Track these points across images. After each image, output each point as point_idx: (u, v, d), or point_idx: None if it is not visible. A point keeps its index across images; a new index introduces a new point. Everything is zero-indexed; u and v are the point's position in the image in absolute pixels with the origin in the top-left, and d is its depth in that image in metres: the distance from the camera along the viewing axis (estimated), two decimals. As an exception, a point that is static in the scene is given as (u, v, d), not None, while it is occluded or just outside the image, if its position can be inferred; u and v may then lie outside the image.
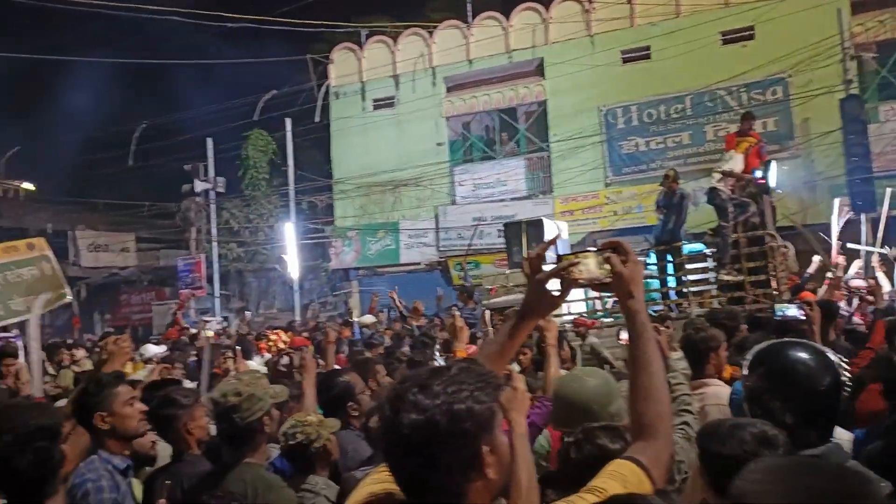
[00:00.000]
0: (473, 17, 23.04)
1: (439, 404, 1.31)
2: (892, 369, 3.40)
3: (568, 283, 1.77)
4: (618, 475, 1.53)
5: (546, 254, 1.88)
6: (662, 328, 4.17)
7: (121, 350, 4.03)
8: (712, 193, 9.43)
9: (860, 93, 18.36)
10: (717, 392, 3.68)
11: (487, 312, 9.77)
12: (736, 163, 9.32)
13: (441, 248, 22.82)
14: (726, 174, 9.31)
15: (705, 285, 9.78)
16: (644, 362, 1.69)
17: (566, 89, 21.62)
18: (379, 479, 1.52)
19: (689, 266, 9.51)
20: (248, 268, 27.41)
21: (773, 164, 9.85)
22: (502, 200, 22.35)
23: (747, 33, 19.95)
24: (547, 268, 1.80)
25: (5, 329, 7.67)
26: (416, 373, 1.42)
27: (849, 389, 2.14)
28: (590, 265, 1.75)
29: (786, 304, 6.07)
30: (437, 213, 23.03)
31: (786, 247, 9.45)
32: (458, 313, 7.12)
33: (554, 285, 1.80)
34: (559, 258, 1.78)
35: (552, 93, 22.14)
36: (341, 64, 24.44)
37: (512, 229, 12.20)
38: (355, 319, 13.52)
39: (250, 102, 25.33)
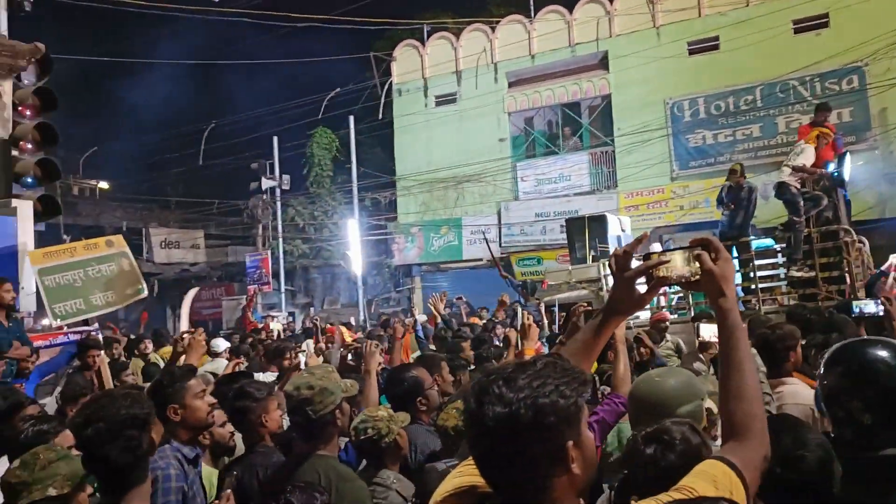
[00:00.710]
0: (536, 11, 22.90)
1: (523, 398, 1.31)
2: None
3: (656, 281, 1.74)
4: (709, 475, 1.50)
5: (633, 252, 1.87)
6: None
7: (197, 344, 4.18)
8: (781, 188, 9.15)
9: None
10: (796, 391, 3.59)
11: (542, 306, 9.68)
12: (807, 155, 9.03)
13: (504, 245, 22.77)
14: (797, 169, 9.03)
15: (775, 282, 9.51)
16: (737, 361, 1.65)
17: (631, 82, 21.32)
18: (465, 472, 1.53)
19: (757, 262, 9.24)
20: (313, 264, 27.88)
21: (848, 157, 9.52)
22: (566, 196, 22.17)
23: (821, 21, 19.31)
24: (634, 264, 1.78)
25: (87, 322, 7.99)
26: (502, 366, 1.42)
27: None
28: (677, 263, 1.72)
29: (864, 301, 5.89)
30: (500, 209, 22.99)
31: (861, 242, 9.11)
32: (524, 311, 7.10)
33: (640, 283, 1.79)
34: (647, 256, 1.76)
35: (616, 86, 21.85)
36: (404, 61, 24.61)
37: (574, 225, 12.06)
38: (416, 316, 13.65)
39: (315, 101, 25.76)
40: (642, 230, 18.34)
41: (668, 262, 1.73)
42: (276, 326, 13.43)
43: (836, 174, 9.29)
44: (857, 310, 5.41)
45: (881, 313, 4.82)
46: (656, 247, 11.22)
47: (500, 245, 22.65)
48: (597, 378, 4.50)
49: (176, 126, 28.79)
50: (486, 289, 18.09)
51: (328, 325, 11.68)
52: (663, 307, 10.55)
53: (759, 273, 9.36)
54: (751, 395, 1.64)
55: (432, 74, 24.13)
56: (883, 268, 9.09)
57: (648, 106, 21.09)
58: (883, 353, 2.05)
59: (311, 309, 23.14)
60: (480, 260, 23.08)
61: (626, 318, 1.93)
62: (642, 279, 1.76)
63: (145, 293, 8.63)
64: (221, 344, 8.80)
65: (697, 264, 1.69)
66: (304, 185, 27.35)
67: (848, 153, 9.82)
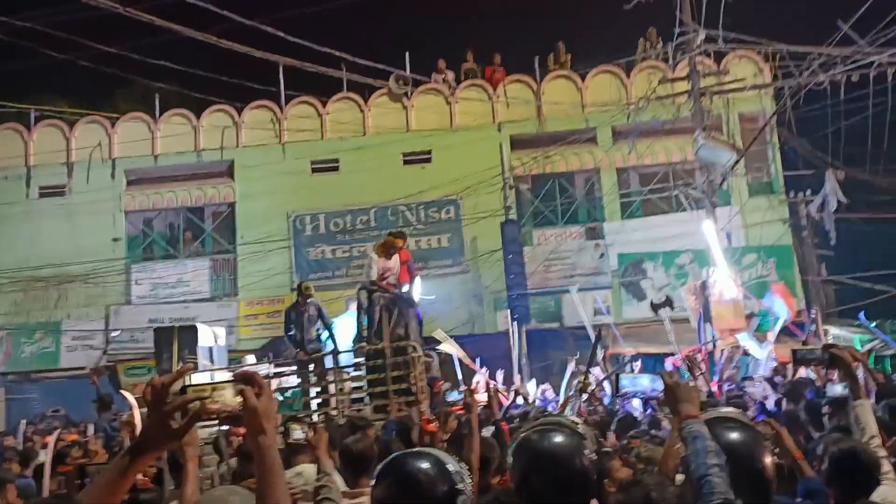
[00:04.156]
0: (161, 112, 22.34)
1: None
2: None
3: (193, 415, 1.63)
4: None
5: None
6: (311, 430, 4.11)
7: None
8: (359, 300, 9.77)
9: (518, 218, 20.61)
10: None
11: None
12: (374, 267, 9.80)
13: (111, 351, 20.91)
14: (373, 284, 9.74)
15: (352, 394, 9.95)
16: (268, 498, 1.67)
17: (256, 193, 21.59)
18: None
19: (334, 375, 9.63)
20: None
21: (418, 280, 10.53)
22: (183, 302, 21.29)
23: (426, 156, 21.63)
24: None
25: None
26: None
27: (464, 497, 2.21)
28: (226, 396, 1.65)
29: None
30: (109, 313, 21.25)
31: (429, 356, 10.00)
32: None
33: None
34: (184, 390, 1.65)
35: (242, 195, 21.96)
36: (5, 145, 22.15)
37: (163, 335, 11.54)
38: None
39: None
40: (262, 340, 18.18)
41: (207, 397, 1.64)
42: None
43: (408, 295, 10.16)
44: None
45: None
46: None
47: (104, 352, 20.76)
48: None
49: None
50: (86, 400, 16.31)
51: None
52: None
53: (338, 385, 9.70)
54: None
55: (38, 163, 22.00)
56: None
57: (272, 217, 21.48)
58: (425, 465, 2.21)
59: None
60: (83, 368, 20.87)
61: (157, 454, 1.75)
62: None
63: None
64: None
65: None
66: None
67: (419, 277, 10.87)
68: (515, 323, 18.43)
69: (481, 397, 7.50)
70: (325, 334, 10.47)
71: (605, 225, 20.90)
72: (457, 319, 20.33)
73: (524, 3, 23.98)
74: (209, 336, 11.69)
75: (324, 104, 22.20)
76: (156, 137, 22.16)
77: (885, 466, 3.12)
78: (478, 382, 10.61)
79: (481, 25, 28.37)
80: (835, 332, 18.86)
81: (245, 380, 1.72)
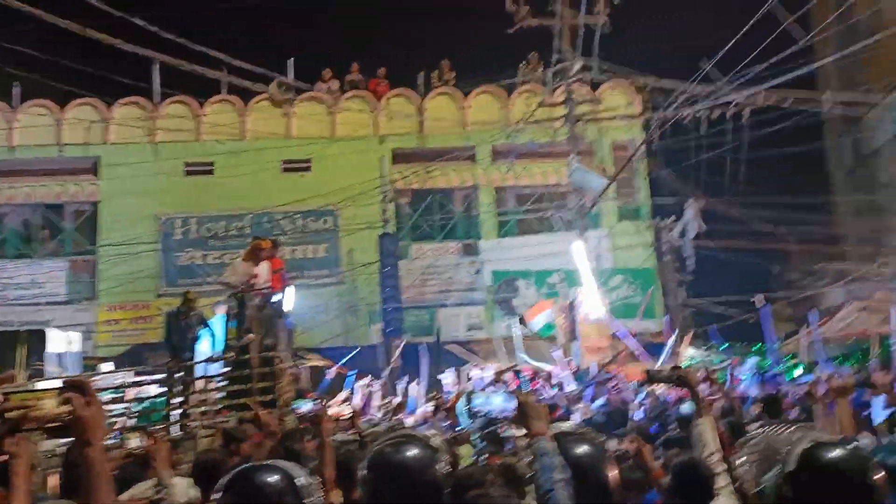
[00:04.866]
0: (22, 101, 20.94)
1: None
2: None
3: (15, 424, 1.57)
4: None
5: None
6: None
7: None
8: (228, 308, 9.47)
9: (396, 231, 20.64)
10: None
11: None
12: (237, 273, 9.54)
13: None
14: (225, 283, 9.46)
15: (216, 404, 9.61)
16: None
17: (123, 193, 20.56)
18: None
19: (203, 385, 9.28)
20: None
21: (291, 290, 10.32)
22: (36, 304, 19.94)
23: (306, 165, 21.33)
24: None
25: None
26: None
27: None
28: (48, 405, 1.56)
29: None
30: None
31: (297, 367, 9.80)
32: None
33: None
34: (6, 396, 1.56)
35: (107, 195, 20.87)
36: None
37: (6, 339, 10.76)
38: None
39: None
40: (123, 347, 17.24)
41: (30, 405, 1.55)
42: None
43: (278, 304, 9.93)
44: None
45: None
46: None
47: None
48: None
49: None
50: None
51: None
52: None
53: (202, 395, 9.35)
54: None
55: None
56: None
57: (140, 219, 20.53)
58: (274, 478, 2.15)
59: None
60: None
61: None
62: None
63: None
64: None
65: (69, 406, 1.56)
66: None
67: (292, 287, 10.66)
68: (389, 335, 18.46)
69: (346, 409, 7.45)
70: (203, 344, 10.09)
71: (481, 242, 21.27)
72: (330, 331, 20.12)
73: (411, 20, 24.17)
74: (61, 341, 10.98)
75: (201, 105, 21.51)
76: (14, 127, 20.72)
77: (722, 481, 3.29)
78: (353, 393, 10.48)
79: (367, 38, 28.36)
80: (691, 353, 19.97)
81: (73, 387, 1.63)
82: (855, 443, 4.11)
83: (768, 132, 17.89)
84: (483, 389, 11.01)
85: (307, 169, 21.29)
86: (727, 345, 16.85)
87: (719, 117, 17.04)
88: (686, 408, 6.01)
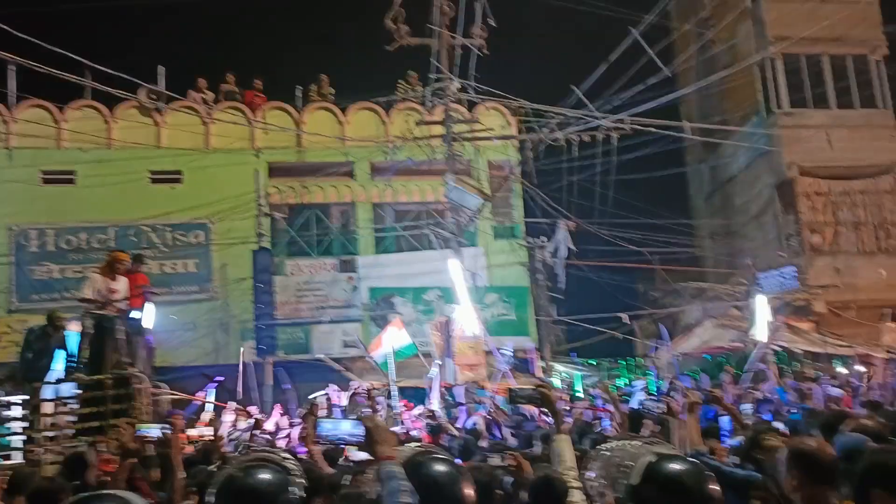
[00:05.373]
0: None
1: None
2: None
3: None
4: None
5: None
6: None
7: None
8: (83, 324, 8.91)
9: (271, 247, 20.15)
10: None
11: None
12: (93, 287, 9.02)
13: None
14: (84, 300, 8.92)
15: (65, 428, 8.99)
16: None
17: (-29, 201, 19.09)
18: None
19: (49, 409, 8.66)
20: None
21: (151, 307, 9.84)
22: None
23: (176, 176, 20.51)
24: None
25: None
26: None
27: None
28: None
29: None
30: None
31: (158, 387, 9.33)
32: None
33: None
34: None
35: (-49, 203, 19.30)
36: None
37: None
38: None
39: None
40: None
41: None
42: None
43: (138, 321, 9.44)
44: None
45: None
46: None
47: None
48: None
49: None
50: None
51: None
52: None
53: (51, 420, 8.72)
54: None
55: None
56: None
57: (-9, 230, 19.11)
58: None
59: None
60: None
61: None
62: None
63: None
64: None
65: None
66: None
67: (152, 303, 10.16)
68: (262, 353, 18.00)
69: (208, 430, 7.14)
70: (57, 364, 9.40)
71: (358, 258, 21.09)
72: (200, 349, 19.38)
73: (289, 33, 23.81)
74: None
75: (61, 110, 20.30)
76: None
77: (576, 496, 3.35)
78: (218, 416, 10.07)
79: (244, 49, 27.73)
80: (561, 369, 20.56)
81: None
82: (700, 456, 4.32)
83: (635, 157, 18.82)
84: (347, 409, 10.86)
85: (178, 181, 20.47)
86: (595, 361, 17.44)
87: (590, 141, 17.72)
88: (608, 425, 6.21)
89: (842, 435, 3.80)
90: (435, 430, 9.16)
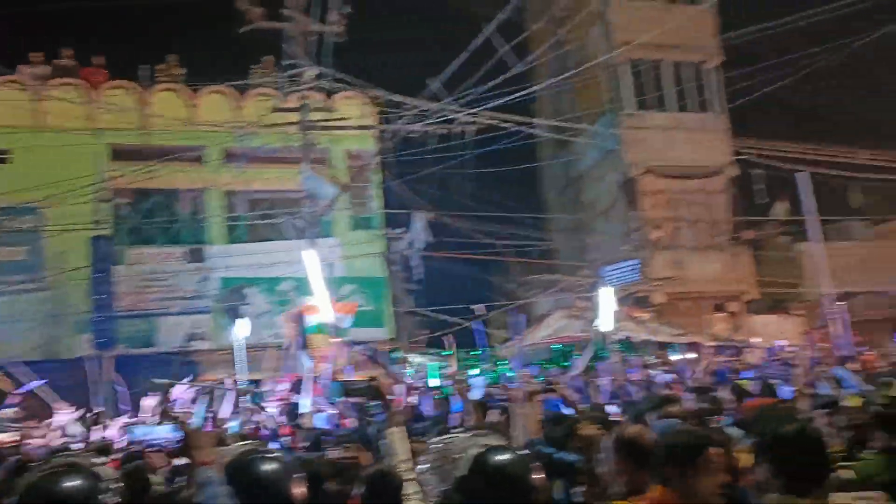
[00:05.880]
0: None
1: None
2: None
3: None
4: None
5: None
6: None
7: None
8: None
9: (113, 234, 18.98)
10: None
11: None
12: None
13: None
14: None
15: None
16: None
17: None
18: None
19: None
20: None
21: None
22: None
23: (4, 156, 18.94)
24: None
25: None
26: None
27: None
28: None
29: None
30: None
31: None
32: None
33: None
34: None
35: None
36: None
37: None
38: None
39: None
40: None
41: None
42: None
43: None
44: None
45: None
46: None
47: None
48: None
49: None
50: None
51: None
52: None
53: None
54: None
55: None
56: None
57: None
58: None
59: None
60: None
61: None
62: None
63: None
64: None
65: None
66: None
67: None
68: (100, 347, 16.96)
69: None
70: None
71: (208, 247, 20.28)
72: (29, 343, 17.98)
73: (134, 7, 22.36)
74: None
75: None
76: None
77: (412, 488, 3.35)
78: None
79: (84, 23, 25.87)
80: (418, 360, 20.69)
81: None
82: (535, 445, 4.42)
83: (491, 151, 19.18)
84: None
85: (4, 161, 18.88)
86: (450, 352, 17.63)
87: (447, 134, 17.86)
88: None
89: (658, 421, 4.00)
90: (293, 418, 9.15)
